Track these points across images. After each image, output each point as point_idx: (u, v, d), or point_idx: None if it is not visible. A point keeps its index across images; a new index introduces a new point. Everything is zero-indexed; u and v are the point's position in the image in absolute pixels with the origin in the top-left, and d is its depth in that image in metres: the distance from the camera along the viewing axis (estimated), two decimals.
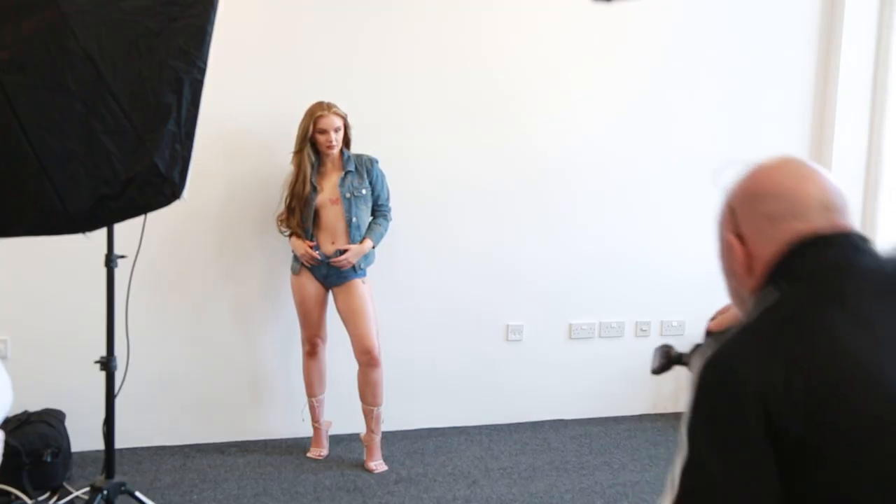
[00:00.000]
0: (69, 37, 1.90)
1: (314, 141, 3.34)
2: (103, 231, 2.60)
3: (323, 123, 3.30)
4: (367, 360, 3.43)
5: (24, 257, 3.42)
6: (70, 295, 3.49)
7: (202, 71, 2.01)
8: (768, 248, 1.08)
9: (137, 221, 2.37)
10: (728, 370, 0.97)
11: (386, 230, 3.50)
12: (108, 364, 2.71)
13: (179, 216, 3.44)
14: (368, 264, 3.48)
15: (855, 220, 1.11)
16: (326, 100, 3.37)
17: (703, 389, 0.98)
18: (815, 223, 1.06)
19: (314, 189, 3.36)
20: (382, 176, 3.49)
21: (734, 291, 1.17)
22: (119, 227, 2.51)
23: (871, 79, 4.47)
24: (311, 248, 3.36)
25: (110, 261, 2.69)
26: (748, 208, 1.12)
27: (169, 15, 1.96)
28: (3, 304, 3.45)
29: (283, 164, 3.55)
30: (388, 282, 3.75)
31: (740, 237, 1.12)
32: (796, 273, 1.05)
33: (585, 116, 4.03)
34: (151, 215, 2.29)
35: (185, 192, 2.12)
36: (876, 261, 1.06)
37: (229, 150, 3.62)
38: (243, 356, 3.77)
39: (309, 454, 3.60)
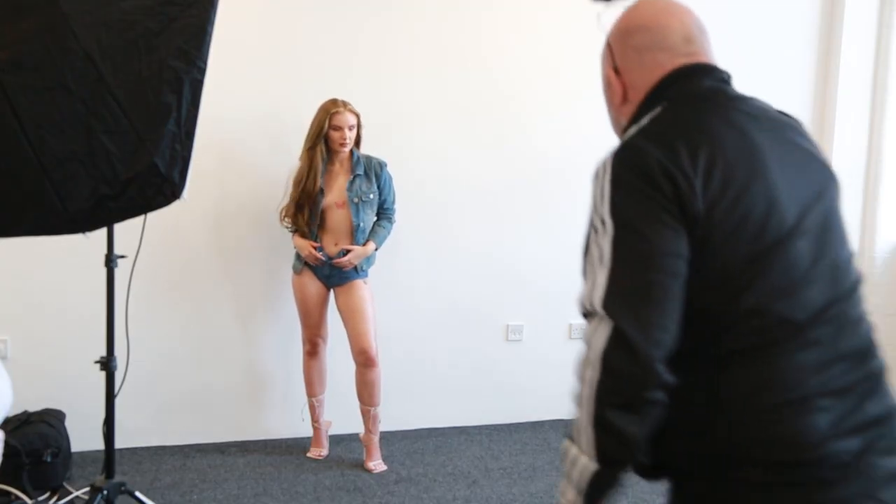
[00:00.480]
0: (69, 36, 1.90)
1: (327, 137, 3.32)
2: (103, 231, 2.59)
3: (338, 120, 3.28)
4: (363, 361, 3.43)
5: (24, 257, 3.41)
6: (70, 295, 3.49)
7: (202, 71, 2.01)
8: (641, 76, 1.23)
9: (137, 221, 2.37)
10: (637, 152, 1.09)
11: (389, 233, 3.49)
12: (108, 364, 2.70)
13: (179, 216, 3.43)
14: (370, 265, 3.48)
15: (714, 58, 1.26)
16: (327, 97, 3.36)
17: (619, 171, 1.09)
18: (680, 54, 1.21)
19: (321, 191, 3.33)
20: (390, 179, 3.47)
21: (614, 120, 1.34)
22: (119, 227, 2.51)
23: (871, 79, 4.47)
24: (314, 248, 3.36)
25: (110, 261, 2.69)
26: (621, 43, 1.26)
27: (169, 15, 1.96)
28: (3, 304, 3.45)
29: (283, 163, 3.55)
30: (388, 282, 3.75)
31: (617, 70, 1.27)
32: (675, 95, 1.19)
33: (585, 116, 4.02)
34: (151, 215, 2.29)
35: (185, 192, 2.12)
36: (739, 93, 1.23)
37: (229, 149, 3.62)
38: (243, 356, 3.77)
39: (309, 454, 3.60)
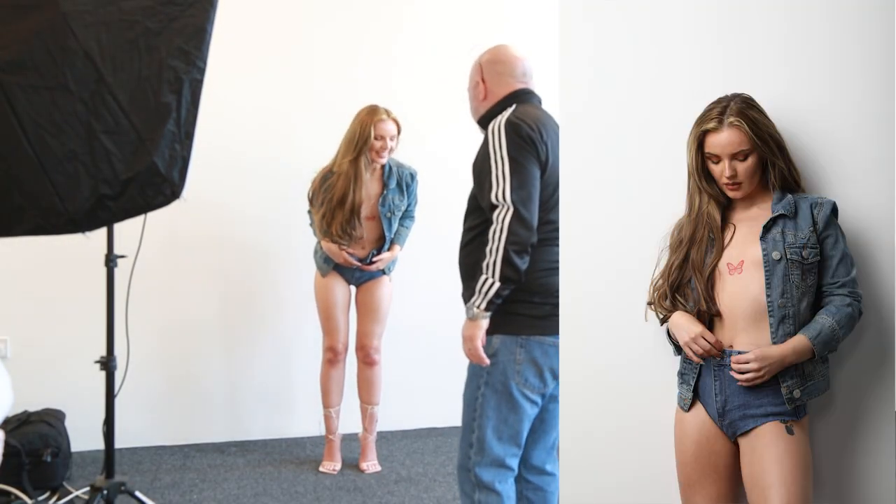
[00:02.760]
0: (69, 36, 1.90)
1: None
2: (103, 231, 2.60)
3: (381, 129, 3.19)
4: (362, 357, 3.43)
5: (24, 257, 3.42)
6: (70, 295, 3.49)
7: (202, 71, 2.01)
8: (498, 88, 2.19)
9: (137, 221, 2.37)
10: (517, 125, 2.05)
11: (410, 229, 3.47)
12: (108, 364, 2.71)
13: (179, 216, 3.43)
14: (395, 264, 3.47)
15: (535, 86, 2.25)
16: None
17: (509, 133, 2.03)
18: (519, 81, 2.20)
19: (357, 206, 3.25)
20: (417, 185, 3.43)
21: (474, 108, 2.27)
22: (119, 227, 2.51)
23: None
24: (349, 254, 3.28)
25: (110, 261, 2.69)
26: (488, 66, 2.22)
27: (169, 15, 1.97)
28: (3, 304, 3.45)
29: (282, 162, 3.55)
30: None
31: (483, 80, 2.21)
32: (521, 102, 2.15)
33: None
34: (151, 215, 2.29)
35: (185, 192, 2.12)
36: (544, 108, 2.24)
37: (231, 148, 3.62)
38: (243, 356, 3.77)
39: (322, 468, 3.46)
